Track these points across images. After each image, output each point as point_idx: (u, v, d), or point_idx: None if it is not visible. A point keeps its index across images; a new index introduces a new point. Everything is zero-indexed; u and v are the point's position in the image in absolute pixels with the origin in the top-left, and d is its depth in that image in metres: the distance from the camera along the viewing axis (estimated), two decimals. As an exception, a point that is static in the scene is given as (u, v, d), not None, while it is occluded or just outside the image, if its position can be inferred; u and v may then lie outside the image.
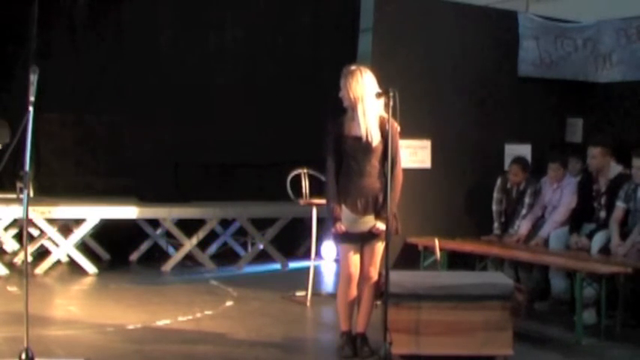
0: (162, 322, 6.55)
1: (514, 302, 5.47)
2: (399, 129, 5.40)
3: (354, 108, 5.39)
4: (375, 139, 5.36)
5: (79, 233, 9.15)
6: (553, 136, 8.45)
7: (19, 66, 9.38)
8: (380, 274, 5.47)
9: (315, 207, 7.49)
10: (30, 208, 6.86)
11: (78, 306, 7.42)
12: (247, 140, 10.07)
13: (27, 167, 5.03)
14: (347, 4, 10.85)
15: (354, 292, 5.51)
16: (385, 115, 5.28)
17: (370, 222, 5.40)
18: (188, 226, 9.55)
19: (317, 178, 7.41)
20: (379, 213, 5.36)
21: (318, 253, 8.92)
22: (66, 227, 9.15)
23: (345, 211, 5.42)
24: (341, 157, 5.44)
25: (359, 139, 5.37)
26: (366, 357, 5.43)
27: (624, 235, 6.74)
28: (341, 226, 5.40)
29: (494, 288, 5.48)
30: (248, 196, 10.12)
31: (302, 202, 7.66)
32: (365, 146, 5.37)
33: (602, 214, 7.13)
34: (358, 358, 5.46)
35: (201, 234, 9.65)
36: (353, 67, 5.45)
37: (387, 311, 5.06)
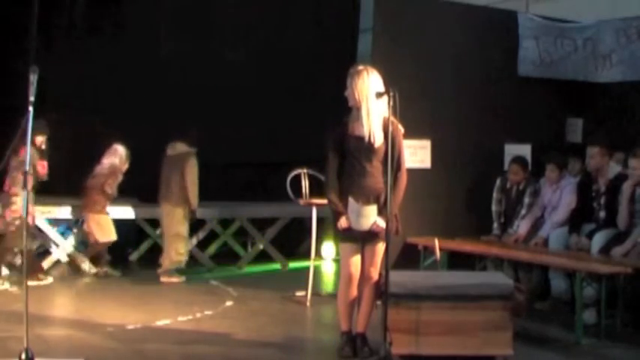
0: (162, 322, 6.55)
1: (514, 302, 5.48)
2: (403, 131, 5.40)
3: (358, 108, 5.38)
4: (378, 140, 5.35)
5: (80, 233, 9.15)
6: (553, 136, 8.44)
7: (19, 66, 9.36)
8: (380, 274, 5.47)
9: (315, 207, 7.49)
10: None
11: (78, 306, 7.42)
12: (248, 140, 10.06)
13: (27, 167, 5.04)
14: (347, 4, 10.85)
15: (354, 292, 5.50)
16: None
17: (373, 214, 5.37)
18: (188, 226, 9.53)
19: (317, 178, 7.41)
20: (380, 212, 5.36)
21: (318, 253, 8.92)
22: None
23: (350, 202, 5.38)
24: (343, 156, 5.43)
25: (362, 139, 5.36)
26: (366, 357, 5.43)
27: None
28: (345, 221, 5.38)
29: (494, 288, 5.47)
30: (248, 196, 10.11)
31: (302, 202, 7.66)
32: (367, 146, 5.36)
33: (602, 214, 7.12)
34: (358, 358, 5.45)
35: (201, 234, 9.65)
36: (360, 67, 5.44)
37: (387, 311, 5.06)
